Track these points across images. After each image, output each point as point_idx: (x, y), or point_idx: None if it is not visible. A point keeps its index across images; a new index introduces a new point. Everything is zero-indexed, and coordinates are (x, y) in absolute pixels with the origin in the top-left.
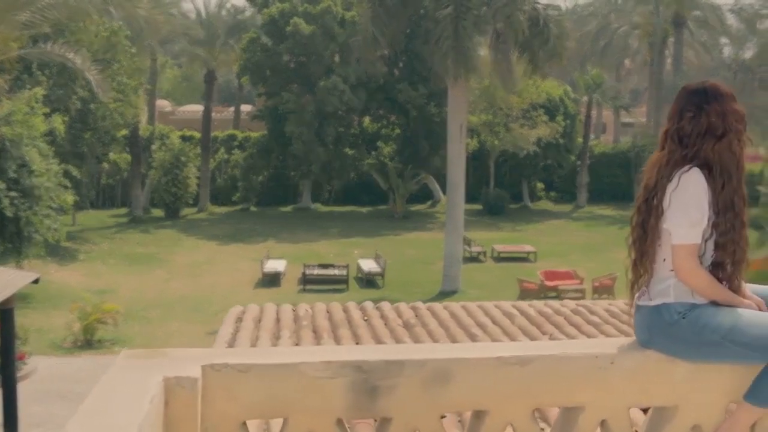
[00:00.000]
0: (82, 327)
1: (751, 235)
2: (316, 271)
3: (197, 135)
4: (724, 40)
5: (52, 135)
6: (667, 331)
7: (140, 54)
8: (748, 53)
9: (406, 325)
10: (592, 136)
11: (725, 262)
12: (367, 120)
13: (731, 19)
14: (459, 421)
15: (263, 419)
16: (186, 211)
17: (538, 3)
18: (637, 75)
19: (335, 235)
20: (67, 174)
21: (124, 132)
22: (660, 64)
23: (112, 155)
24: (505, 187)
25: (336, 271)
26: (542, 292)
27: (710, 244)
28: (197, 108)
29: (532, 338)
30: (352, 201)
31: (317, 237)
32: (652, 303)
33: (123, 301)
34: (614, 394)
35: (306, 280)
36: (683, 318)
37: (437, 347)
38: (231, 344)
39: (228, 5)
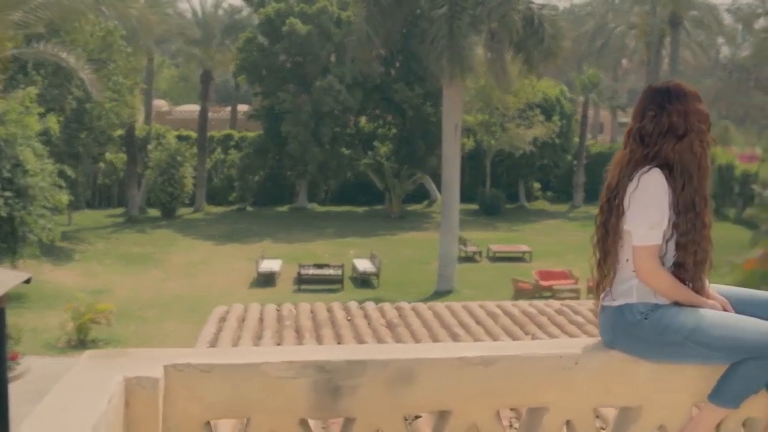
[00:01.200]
0: (75, 327)
1: (745, 234)
2: (311, 271)
3: (194, 135)
4: (721, 40)
5: (46, 135)
6: (630, 332)
7: (136, 54)
8: (745, 53)
9: (390, 325)
10: (588, 135)
11: (687, 262)
12: (363, 120)
13: (728, 19)
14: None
15: (226, 419)
16: (182, 211)
17: (533, 3)
18: (634, 75)
19: (331, 235)
20: (62, 174)
21: (120, 132)
22: (657, 64)
23: (108, 155)
24: (502, 186)
25: (331, 271)
26: (537, 292)
27: (671, 245)
28: (194, 108)
29: (515, 338)
30: (349, 201)
31: (313, 237)
32: (615, 303)
33: (118, 301)
34: (579, 395)
35: (301, 280)
36: (645, 318)
37: (400, 347)
38: (213, 344)
39: (225, 5)
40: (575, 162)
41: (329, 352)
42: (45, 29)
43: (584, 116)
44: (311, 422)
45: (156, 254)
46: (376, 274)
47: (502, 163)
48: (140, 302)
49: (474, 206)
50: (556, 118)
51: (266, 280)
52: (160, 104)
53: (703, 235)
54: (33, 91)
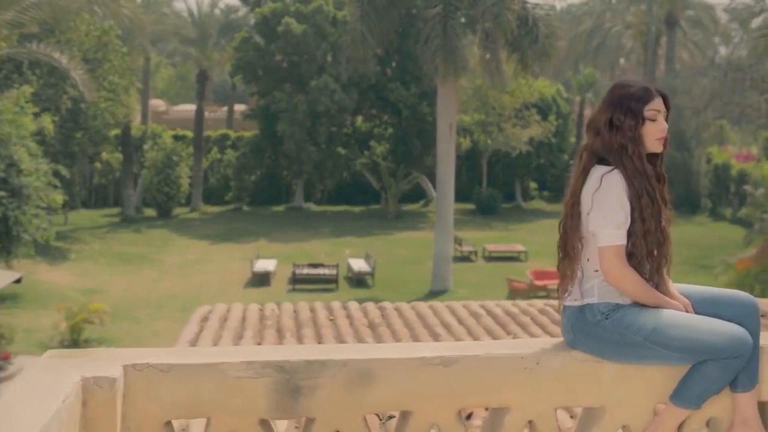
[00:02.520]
0: (68, 327)
1: (738, 233)
2: (306, 271)
3: (190, 134)
4: (717, 39)
5: (41, 134)
6: (591, 332)
7: (132, 53)
8: (743, 53)
9: (371, 325)
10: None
11: (645, 263)
12: (359, 119)
13: (725, 19)
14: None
15: (186, 419)
16: (178, 211)
17: (528, 2)
18: (632, 74)
19: (327, 235)
20: (56, 174)
21: (116, 131)
22: (653, 63)
23: (104, 155)
24: (498, 186)
25: (326, 271)
26: (531, 292)
27: (629, 245)
28: (191, 107)
29: (495, 338)
30: (345, 200)
31: (309, 236)
32: (577, 303)
33: (112, 300)
34: (540, 395)
35: (295, 280)
36: (606, 318)
37: (360, 347)
38: (193, 343)
39: (221, 5)
40: (571, 162)
41: (289, 352)
42: (40, 29)
43: (580, 116)
44: (286, 423)
45: (151, 254)
46: (371, 274)
47: (498, 162)
48: (134, 302)
49: (470, 206)
50: (552, 117)
51: (261, 279)
52: (157, 104)
53: (662, 235)
54: (27, 90)
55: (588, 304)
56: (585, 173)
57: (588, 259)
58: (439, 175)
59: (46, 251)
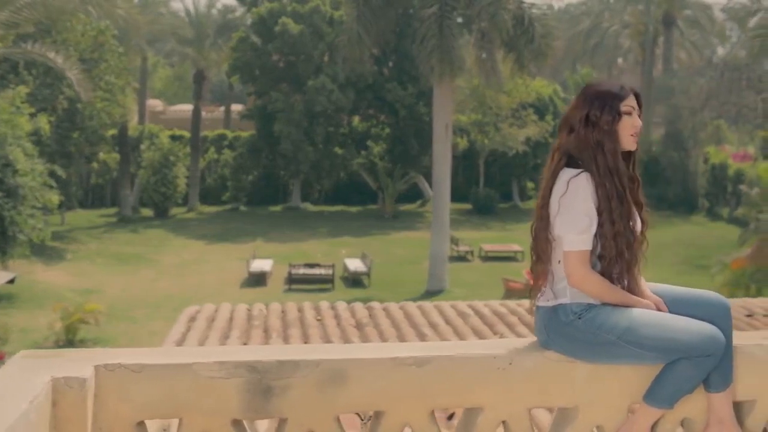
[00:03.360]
0: (63, 327)
1: (735, 232)
2: (302, 271)
3: (187, 134)
4: (715, 40)
5: (37, 134)
6: (564, 332)
7: (129, 53)
8: (742, 53)
9: (359, 325)
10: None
11: (614, 264)
12: (356, 119)
13: (723, 19)
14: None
15: (158, 419)
16: (175, 211)
17: (524, 2)
18: (630, 74)
19: (324, 235)
20: (52, 174)
21: (113, 131)
22: (651, 63)
23: (102, 155)
24: (495, 186)
25: (322, 271)
26: (527, 291)
27: (599, 247)
28: (188, 107)
29: (482, 338)
30: (342, 200)
31: (306, 237)
32: (550, 304)
33: (109, 300)
34: (513, 395)
35: (292, 280)
36: (579, 318)
37: (333, 347)
38: (179, 343)
39: (218, 5)
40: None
41: (261, 353)
42: (36, 29)
43: None
44: (267, 422)
45: (148, 254)
46: (367, 274)
47: (495, 162)
48: (130, 302)
49: (467, 206)
50: (549, 117)
51: (257, 279)
52: (155, 104)
53: (631, 236)
54: (23, 90)
55: (561, 304)
56: (555, 176)
57: (559, 261)
58: (435, 175)
59: (43, 251)
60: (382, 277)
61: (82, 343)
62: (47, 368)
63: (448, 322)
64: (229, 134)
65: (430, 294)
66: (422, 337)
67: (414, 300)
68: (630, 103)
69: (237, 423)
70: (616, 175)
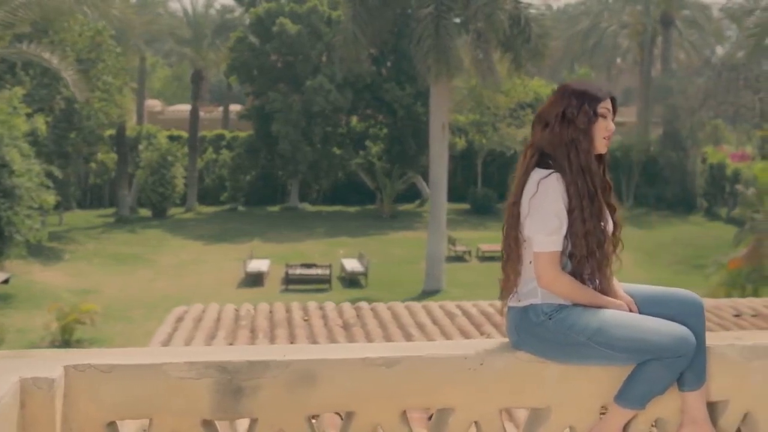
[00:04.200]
0: (59, 327)
1: (731, 232)
2: (299, 271)
3: (185, 135)
4: (714, 39)
5: (34, 135)
6: (534, 332)
7: (127, 53)
8: (739, 53)
9: (345, 326)
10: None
11: (585, 263)
12: (354, 119)
13: (720, 18)
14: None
15: (129, 419)
16: (173, 211)
17: (520, 2)
18: (629, 74)
19: (321, 235)
20: (49, 174)
21: (111, 132)
22: (649, 63)
23: (100, 155)
24: (493, 186)
25: (319, 271)
26: None
27: (570, 246)
28: (187, 107)
29: (468, 338)
30: (340, 201)
31: (304, 237)
32: (521, 304)
33: (106, 300)
34: (485, 396)
35: (288, 280)
36: (549, 319)
37: (303, 348)
38: (166, 344)
39: (216, 5)
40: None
41: (231, 353)
42: (33, 29)
43: None
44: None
45: (145, 254)
46: (365, 274)
47: (493, 162)
48: (127, 302)
49: (465, 206)
50: None
51: (254, 280)
52: (154, 104)
53: (602, 236)
54: (19, 91)
55: (531, 304)
56: (527, 173)
57: (530, 261)
58: (432, 175)
59: (40, 251)
60: (380, 277)
61: (78, 344)
62: (15, 369)
63: (435, 322)
64: (228, 134)
65: (427, 294)
66: (408, 337)
67: (411, 300)
68: (606, 105)
69: (207, 423)
70: (588, 174)
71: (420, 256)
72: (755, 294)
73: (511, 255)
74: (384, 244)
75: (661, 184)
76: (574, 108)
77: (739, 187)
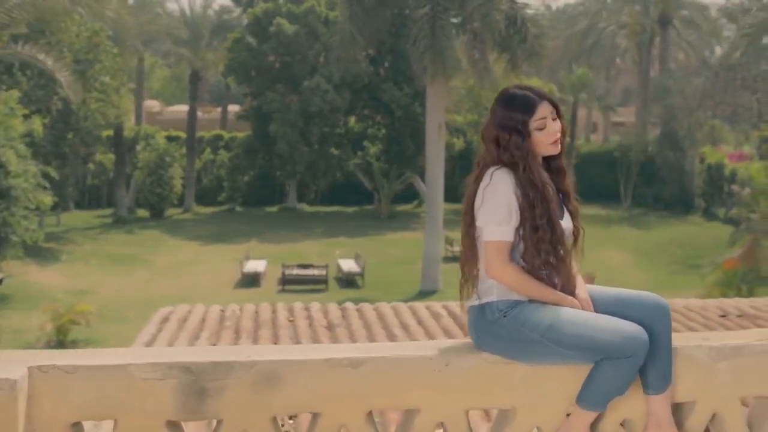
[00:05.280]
0: (54, 328)
1: (727, 232)
2: (296, 272)
3: (183, 135)
4: (713, 40)
5: (30, 136)
6: (490, 330)
7: (125, 54)
8: (737, 53)
9: (330, 326)
10: (582, 135)
11: (536, 262)
12: (352, 120)
13: (718, 17)
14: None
15: (94, 420)
16: (171, 212)
17: (516, 2)
18: (628, 74)
19: (319, 235)
20: (46, 175)
21: (109, 132)
22: (647, 63)
23: (98, 156)
24: None
25: (315, 272)
26: None
27: (522, 244)
28: (185, 108)
29: (452, 338)
30: (338, 201)
31: (301, 237)
32: (478, 302)
33: (102, 301)
34: (450, 396)
35: (285, 281)
36: (504, 316)
37: (267, 348)
38: (149, 344)
39: (215, 5)
40: (565, 162)
41: (195, 354)
42: (30, 30)
43: (573, 116)
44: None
45: (143, 255)
46: (361, 274)
47: None
48: (124, 303)
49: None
50: None
51: (251, 280)
52: (152, 105)
53: (554, 233)
54: (15, 93)
55: (488, 302)
56: (478, 182)
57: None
58: (429, 176)
59: (38, 252)
60: (377, 278)
61: (74, 344)
62: None
63: (420, 323)
64: (225, 135)
65: (424, 294)
66: (392, 338)
67: (407, 301)
68: (540, 115)
69: (172, 424)
70: (537, 174)
71: (417, 256)
72: (750, 294)
73: (469, 255)
74: (381, 245)
75: (659, 184)
76: (504, 134)
77: (734, 187)
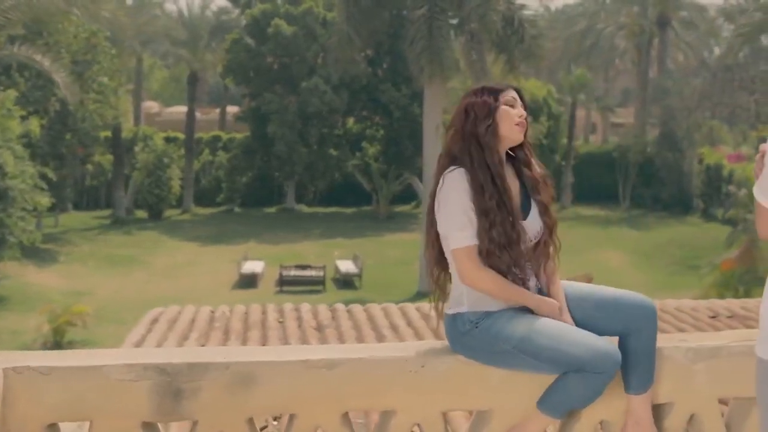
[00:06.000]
0: (51, 329)
1: (725, 233)
2: (293, 273)
3: (181, 136)
4: (713, 40)
5: (28, 137)
6: (462, 341)
7: (123, 55)
8: (734, 53)
9: (319, 327)
10: (581, 136)
11: (496, 261)
12: (350, 121)
13: (716, 18)
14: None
15: (69, 422)
16: (170, 213)
17: (513, 3)
18: (628, 75)
19: (317, 236)
20: (44, 176)
21: (107, 133)
22: (646, 64)
23: (96, 157)
24: None
25: (313, 273)
26: None
27: (482, 237)
28: (184, 109)
29: (441, 339)
30: (337, 202)
31: (299, 238)
32: (450, 312)
33: (100, 302)
34: (426, 398)
35: (282, 282)
36: (476, 327)
37: (243, 350)
38: (138, 345)
39: (213, 6)
40: (563, 163)
41: (170, 355)
42: (27, 31)
43: (572, 117)
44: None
45: (141, 256)
46: (359, 275)
47: None
48: (121, 304)
49: None
50: (543, 119)
51: (248, 281)
52: (151, 106)
53: (514, 232)
54: (12, 94)
55: (458, 313)
56: (437, 178)
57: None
58: (426, 176)
59: (35, 253)
60: (375, 279)
61: (70, 345)
62: None
63: (409, 324)
64: (224, 136)
65: (422, 295)
66: (381, 339)
67: (405, 302)
68: (510, 94)
69: (148, 425)
70: (493, 168)
71: (415, 257)
72: (747, 295)
73: (440, 261)
74: (379, 246)
75: (657, 185)
76: (473, 100)
77: (731, 188)
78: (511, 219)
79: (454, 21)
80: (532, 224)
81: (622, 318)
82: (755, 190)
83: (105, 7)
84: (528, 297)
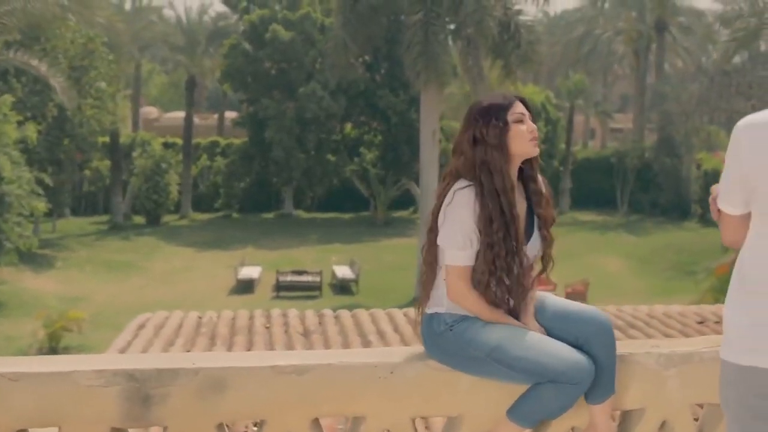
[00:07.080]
0: (46, 334)
1: (720, 238)
2: (290, 278)
3: (180, 142)
4: (711, 46)
5: (24, 142)
6: (437, 342)
7: (121, 61)
8: (734, 59)
9: (305, 333)
10: (579, 141)
11: (492, 286)
12: (348, 126)
13: (714, 23)
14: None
15: (37, 428)
16: (167, 218)
17: (510, 9)
18: (626, 80)
19: (315, 242)
20: (41, 182)
21: (105, 139)
22: (644, 69)
23: (94, 162)
24: None
25: (309, 278)
26: None
27: (482, 265)
28: (182, 115)
29: None
30: (335, 207)
31: (297, 243)
32: (428, 311)
33: (96, 308)
34: (396, 404)
35: (279, 287)
36: (451, 330)
37: (213, 356)
38: (124, 351)
39: (211, 12)
40: (561, 168)
41: (139, 361)
42: (24, 37)
43: (570, 122)
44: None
45: (138, 261)
46: (355, 281)
47: None
48: (118, 309)
49: None
50: (541, 124)
51: (245, 287)
52: (150, 111)
53: (513, 259)
54: (8, 99)
55: (436, 313)
56: (443, 198)
57: (441, 267)
58: (423, 182)
59: (32, 259)
60: (372, 284)
61: (66, 350)
62: None
63: (396, 330)
64: (222, 141)
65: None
66: (367, 345)
67: (402, 307)
68: (518, 110)
69: (117, 431)
70: (503, 196)
71: (412, 262)
72: None
73: (432, 265)
74: (377, 251)
75: (655, 190)
76: (482, 127)
77: None
78: (515, 246)
79: (452, 26)
80: (533, 246)
81: (572, 330)
82: (719, 202)
83: (100, 13)
84: (504, 320)
